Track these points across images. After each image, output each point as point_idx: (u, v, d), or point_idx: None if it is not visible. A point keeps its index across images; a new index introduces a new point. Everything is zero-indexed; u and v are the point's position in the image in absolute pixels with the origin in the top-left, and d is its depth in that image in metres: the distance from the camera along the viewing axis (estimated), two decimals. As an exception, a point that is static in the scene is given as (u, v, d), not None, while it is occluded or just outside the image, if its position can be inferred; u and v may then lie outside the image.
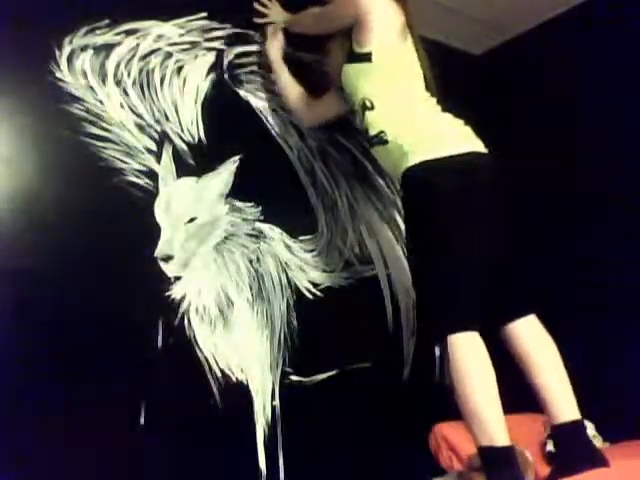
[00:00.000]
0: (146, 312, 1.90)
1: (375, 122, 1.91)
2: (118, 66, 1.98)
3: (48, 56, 1.86)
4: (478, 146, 1.86)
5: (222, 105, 2.16)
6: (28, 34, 1.83)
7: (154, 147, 2.01)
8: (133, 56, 2.02)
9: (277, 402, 2.08)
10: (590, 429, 2.13)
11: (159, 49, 2.07)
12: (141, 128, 2.00)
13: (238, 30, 2.26)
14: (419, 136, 1.85)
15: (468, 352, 1.65)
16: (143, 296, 1.90)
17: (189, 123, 2.10)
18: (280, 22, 2.27)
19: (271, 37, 2.26)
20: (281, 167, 2.29)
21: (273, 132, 2.29)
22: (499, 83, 3.03)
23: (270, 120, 2.29)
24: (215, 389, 1.97)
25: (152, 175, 1.99)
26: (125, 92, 1.98)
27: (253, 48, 2.29)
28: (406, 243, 1.90)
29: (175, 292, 1.97)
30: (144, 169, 1.98)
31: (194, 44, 2.15)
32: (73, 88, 1.89)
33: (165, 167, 2.02)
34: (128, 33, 2.02)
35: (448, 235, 1.75)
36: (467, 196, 1.77)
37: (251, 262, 2.15)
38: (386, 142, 1.89)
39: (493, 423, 1.60)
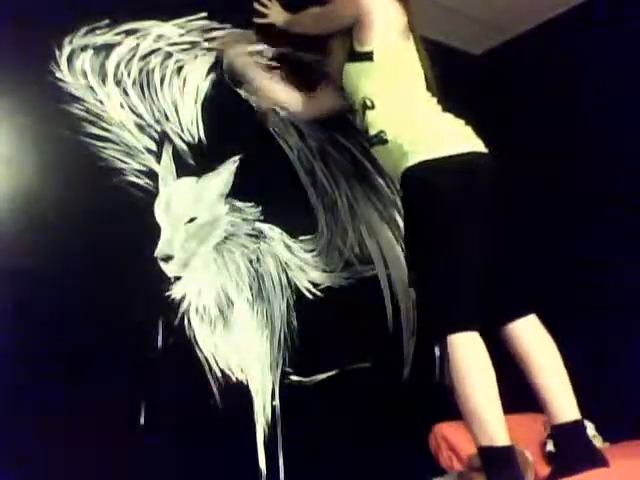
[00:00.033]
0: (146, 312, 1.90)
1: (375, 121, 1.92)
2: (118, 66, 1.98)
3: (48, 56, 1.86)
4: (478, 146, 1.86)
5: (222, 105, 2.16)
6: (28, 34, 1.83)
7: (154, 147, 2.01)
8: (133, 56, 2.02)
9: (277, 402, 2.08)
10: (590, 429, 2.13)
11: (159, 49, 2.08)
12: (141, 128, 2.00)
13: (238, 30, 2.25)
14: (419, 136, 1.85)
15: (468, 352, 1.65)
16: (143, 296, 1.90)
17: (189, 123, 2.10)
18: (280, 22, 2.27)
19: (228, 51, 2.19)
20: (281, 167, 2.29)
21: (273, 132, 2.29)
22: (499, 83, 3.03)
23: (270, 120, 2.28)
24: (215, 389, 1.97)
25: (152, 175, 1.99)
26: (125, 92, 1.98)
27: (253, 48, 2.28)
28: (405, 243, 1.89)
29: (175, 292, 1.97)
30: (144, 169, 1.98)
31: (194, 44, 2.15)
32: (73, 88, 1.89)
33: (165, 167, 2.02)
34: (128, 33, 2.02)
35: (448, 235, 1.75)
36: (467, 196, 1.77)
37: (251, 262, 2.15)
38: (386, 142, 1.89)
39: (493, 423, 1.60)
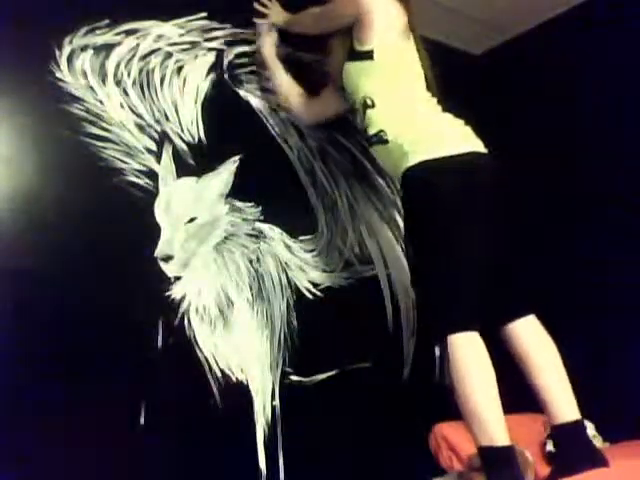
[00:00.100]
0: (146, 312, 1.90)
1: (375, 121, 1.92)
2: (118, 66, 1.98)
3: (48, 56, 1.86)
4: (478, 146, 1.86)
5: (222, 105, 2.16)
6: (28, 34, 1.83)
7: (154, 147, 2.01)
8: (133, 56, 2.02)
9: (277, 402, 2.08)
10: (590, 429, 2.13)
11: (159, 49, 2.08)
12: (141, 128, 2.00)
13: (238, 30, 2.25)
14: (419, 136, 1.85)
15: (468, 352, 1.65)
16: (143, 296, 1.90)
17: (189, 123, 2.10)
18: (280, 22, 2.27)
19: (264, 35, 2.25)
20: (281, 167, 2.29)
21: (273, 132, 2.29)
22: (499, 83, 3.03)
23: (270, 120, 2.29)
24: (215, 389, 1.97)
25: (152, 175, 1.99)
26: (125, 92, 1.98)
27: (253, 48, 2.29)
28: (405, 243, 1.90)
29: (175, 292, 1.97)
30: (144, 169, 1.98)
31: (194, 44, 2.15)
32: (73, 88, 1.89)
33: (165, 167, 2.02)
34: (128, 33, 2.02)
35: (448, 235, 1.75)
36: (467, 196, 1.77)
37: (251, 262, 2.15)
38: (386, 141, 1.89)
39: (493, 423, 1.60)
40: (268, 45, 2.25)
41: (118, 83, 1.97)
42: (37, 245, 1.75)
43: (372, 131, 1.92)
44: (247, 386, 2.04)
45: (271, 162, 2.26)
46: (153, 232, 1.96)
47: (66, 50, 1.89)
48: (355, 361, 2.27)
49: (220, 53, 2.20)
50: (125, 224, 1.90)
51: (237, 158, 2.15)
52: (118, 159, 1.93)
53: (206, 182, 2.09)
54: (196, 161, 2.08)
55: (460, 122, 1.91)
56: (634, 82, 2.56)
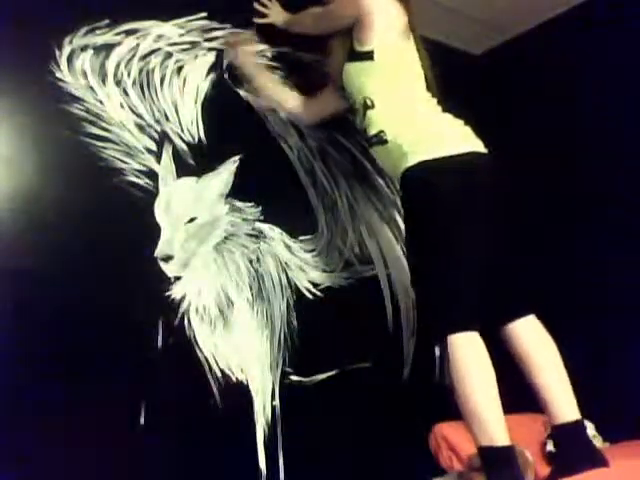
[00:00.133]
0: (146, 312, 1.90)
1: (375, 121, 1.92)
2: (118, 66, 1.98)
3: (48, 56, 1.86)
4: (478, 146, 1.86)
5: (222, 105, 2.16)
6: (28, 34, 1.83)
7: (154, 147, 2.01)
8: (133, 56, 2.02)
9: (277, 402, 2.08)
10: (590, 429, 2.13)
11: (159, 49, 2.07)
12: (141, 128, 2.00)
13: (238, 30, 2.25)
14: (419, 136, 1.85)
15: (468, 352, 1.65)
16: (143, 296, 1.90)
17: (189, 123, 2.10)
18: (280, 22, 2.27)
19: (240, 52, 2.20)
20: (281, 167, 2.29)
21: (273, 132, 2.29)
22: (499, 83, 3.03)
23: (270, 120, 2.29)
24: (215, 389, 1.97)
25: (152, 175, 1.99)
26: (125, 92, 1.98)
27: (253, 48, 2.29)
28: (405, 243, 1.90)
29: (175, 292, 1.97)
30: (144, 169, 1.98)
31: (194, 44, 2.15)
32: (73, 88, 1.89)
33: (165, 167, 2.02)
34: (128, 33, 2.02)
35: (448, 235, 1.75)
36: (467, 196, 1.77)
37: (251, 262, 2.15)
38: (385, 142, 1.89)
39: (493, 423, 1.60)
40: (248, 59, 2.22)
41: (118, 83, 1.97)
42: (37, 245, 1.75)
43: (372, 131, 1.92)
44: (247, 386, 2.04)
45: (271, 162, 2.26)
46: (153, 232, 1.96)
47: (66, 50, 1.89)
48: (355, 361, 2.27)
49: (220, 53, 2.20)
50: (125, 224, 1.90)
51: (237, 158, 2.15)
52: (118, 159, 1.93)
53: (206, 182, 2.09)
54: (196, 161, 2.08)
55: (460, 122, 1.91)
56: (634, 82, 2.56)
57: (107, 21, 1.97)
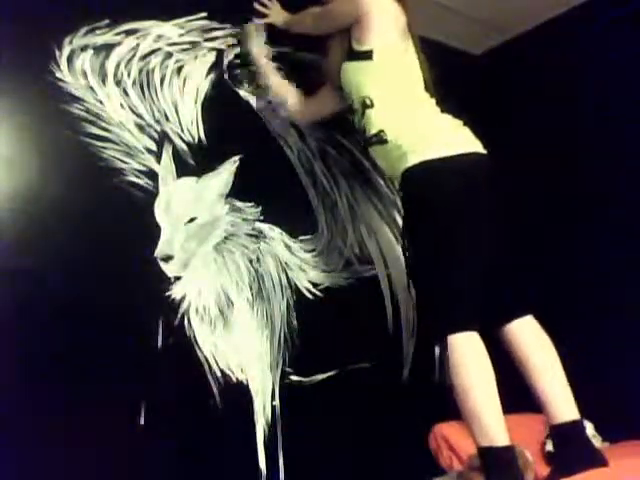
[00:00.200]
0: (146, 312, 1.90)
1: (375, 121, 1.91)
2: (118, 66, 1.98)
3: (48, 56, 1.86)
4: (477, 147, 1.86)
5: (222, 105, 2.16)
6: (28, 34, 1.83)
7: (154, 147, 2.01)
8: (133, 56, 2.02)
9: (277, 402, 2.08)
10: (589, 429, 2.13)
11: (159, 49, 2.08)
12: (141, 128, 2.00)
13: (238, 30, 2.25)
14: (419, 136, 1.85)
15: (468, 352, 1.65)
16: (143, 296, 1.90)
17: (189, 123, 2.10)
18: (280, 22, 2.27)
19: (252, 37, 2.22)
20: (281, 167, 2.29)
21: (273, 132, 2.29)
22: (499, 83, 3.03)
23: (270, 120, 2.29)
24: (215, 389, 1.97)
25: (152, 175, 1.99)
26: (125, 92, 1.98)
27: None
28: (403, 242, 1.89)
29: (175, 292, 1.97)
30: (144, 169, 1.98)
31: (194, 44, 2.15)
32: (73, 88, 1.89)
33: (165, 167, 2.02)
34: (128, 33, 2.02)
35: (450, 235, 1.75)
36: (468, 196, 1.77)
37: (251, 262, 2.15)
38: (385, 141, 1.89)
39: (493, 423, 1.60)
40: (258, 47, 2.23)
41: (118, 83, 1.97)
42: (37, 245, 1.75)
43: (371, 131, 1.92)
44: (247, 386, 2.04)
45: (271, 162, 2.26)
46: (153, 232, 1.96)
47: (66, 50, 1.89)
48: (355, 361, 2.27)
49: (220, 53, 2.20)
50: (125, 224, 1.90)
51: (237, 158, 2.15)
52: (118, 159, 1.93)
53: (206, 182, 2.09)
54: (196, 161, 2.08)
55: (459, 123, 1.91)
56: (635, 82, 2.56)
57: (107, 21, 1.97)
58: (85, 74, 1.92)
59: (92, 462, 1.72)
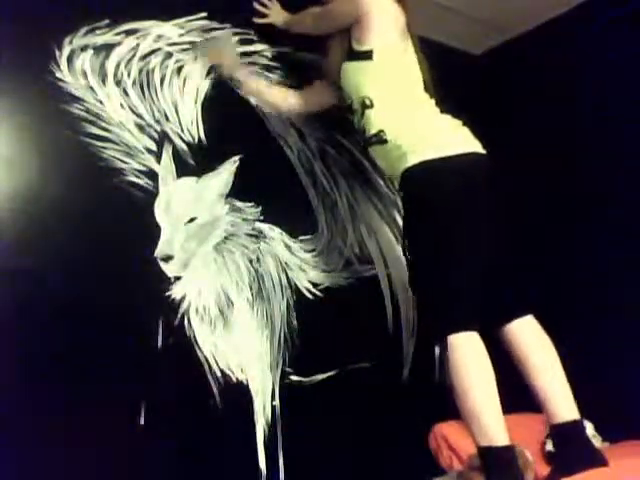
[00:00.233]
0: (146, 312, 1.90)
1: (374, 121, 1.91)
2: (118, 66, 1.98)
3: (48, 56, 1.86)
4: (477, 147, 1.86)
5: (222, 105, 2.16)
6: (28, 34, 1.83)
7: (154, 147, 2.01)
8: (133, 56, 2.02)
9: (277, 402, 2.08)
10: (589, 429, 2.13)
11: (159, 49, 2.08)
12: (141, 128, 2.00)
13: (238, 30, 2.25)
14: (419, 136, 1.85)
15: (468, 352, 1.66)
16: (143, 296, 1.90)
17: (189, 123, 2.10)
18: (280, 22, 2.27)
19: (220, 58, 2.18)
20: (281, 167, 2.29)
21: (273, 132, 2.29)
22: (499, 83, 3.03)
23: (270, 120, 2.29)
24: (215, 389, 1.97)
25: (152, 175, 1.99)
26: (125, 92, 1.98)
27: (253, 48, 2.29)
28: (403, 242, 1.89)
29: (175, 292, 1.97)
30: (144, 169, 1.98)
31: (194, 44, 2.15)
32: (73, 88, 1.89)
33: (165, 167, 2.02)
34: (128, 33, 2.02)
35: (450, 235, 1.75)
36: (468, 196, 1.77)
37: (251, 262, 2.15)
38: (385, 141, 1.89)
39: (493, 423, 1.60)
40: (230, 59, 2.19)
41: (118, 83, 1.97)
42: (37, 245, 1.75)
43: (371, 131, 1.92)
44: (247, 386, 2.04)
45: (271, 162, 2.26)
46: (153, 232, 1.96)
47: (66, 50, 1.89)
48: (355, 361, 2.27)
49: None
50: (125, 224, 1.90)
51: (237, 158, 2.15)
52: (118, 159, 1.93)
53: (206, 182, 2.09)
54: (196, 161, 2.08)
55: (458, 123, 1.91)
56: (634, 82, 2.56)
57: (107, 21, 1.97)
58: (85, 74, 1.92)
59: (92, 462, 1.72)
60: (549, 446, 2.05)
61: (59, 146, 1.84)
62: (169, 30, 2.10)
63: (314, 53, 2.33)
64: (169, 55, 2.09)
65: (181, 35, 2.12)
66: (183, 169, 2.05)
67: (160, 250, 1.95)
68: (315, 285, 2.27)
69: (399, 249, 2.47)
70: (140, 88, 2.01)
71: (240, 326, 2.08)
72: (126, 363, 1.83)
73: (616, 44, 2.62)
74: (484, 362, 1.66)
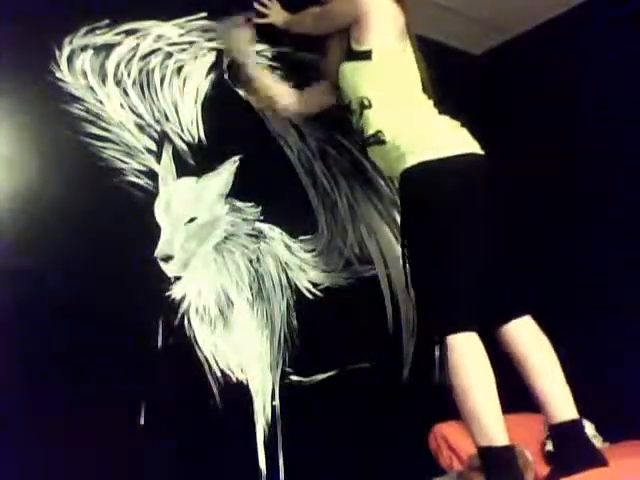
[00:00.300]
0: (146, 312, 1.90)
1: (373, 121, 1.91)
2: (118, 66, 1.98)
3: (48, 56, 1.86)
4: (475, 148, 1.86)
5: (222, 105, 2.16)
6: (28, 34, 1.83)
7: (154, 147, 2.01)
8: (133, 56, 2.02)
9: (277, 402, 2.08)
10: (590, 429, 2.13)
11: (159, 49, 2.08)
12: (141, 128, 2.00)
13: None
14: (418, 137, 1.85)
15: (467, 352, 1.66)
16: (143, 296, 1.90)
17: (189, 123, 2.10)
18: (280, 22, 2.27)
19: (238, 35, 2.18)
20: (281, 167, 2.29)
21: (273, 132, 2.29)
22: (499, 83, 3.03)
23: (270, 120, 2.29)
24: (215, 389, 1.97)
25: (152, 175, 1.99)
26: (125, 92, 1.98)
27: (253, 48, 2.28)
28: (402, 242, 1.90)
29: (175, 292, 1.97)
30: (144, 169, 1.98)
31: (194, 44, 2.15)
32: (73, 88, 1.89)
33: (165, 167, 2.02)
34: (128, 33, 2.02)
35: (449, 235, 1.75)
36: (467, 196, 1.77)
37: (251, 262, 2.15)
38: (383, 142, 1.89)
39: (492, 423, 1.60)
40: (243, 43, 2.19)
41: (118, 83, 1.97)
42: (37, 245, 1.75)
43: (369, 131, 1.92)
44: (247, 386, 2.04)
45: (271, 162, 2.26)
46: (153, 232, 1.96)
47: (66, 50, 1.89)
48: (355, 361, 2.27)
49: (220, 53, 2.20)
50: (125, 224, 1.90)
51: (237, 158, 2.15)
52: (118, 159, 1.93)
53: (206, 182, 2.09)
54: (196, 161, 2.08)
55: (457, 124, 1.91)
56: (634, 82, 2.56)
57: (107, 21, 1.97)
58: (85, 74, 1.92)
59: (92, 462, 1.72)
60: (549, 446, 2.05)
61: (59, 146, 1.84)
62: (169, 30, 2.10)
63: (314, 53, 2.33)
64: (169, 55, 2.09)
65: (181, 35, 2.13)
66: (183, 169, 2.05)
67: (160, 250, 1.95)
68: (315, 285, 2.27)
69: (399, 249, 2.47)
70: (140, 88, 2.02)
71: (240, 326, 2.08)
72: (126, 363, 1.83)
73: (616, 44, 2.62)
74: (483, 362, 1.66)
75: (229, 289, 2.08)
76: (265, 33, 2.28)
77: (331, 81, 2.15)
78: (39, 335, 1.71)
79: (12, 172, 1.77)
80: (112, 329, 1.82)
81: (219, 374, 1.99)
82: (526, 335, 1.81)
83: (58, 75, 1.87)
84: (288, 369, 2.14)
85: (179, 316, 1.96)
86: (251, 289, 2.13)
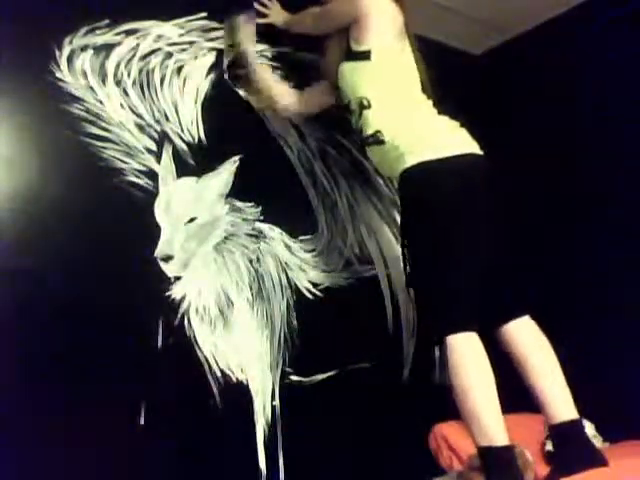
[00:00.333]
0: (146, 312, 1.90)
1: (372, 121, 1.91)
2: (118, 66, 1.98)
3: (48, 56, 1.86)
4: (474, 148, 1.86)
5: (222, 105, 2.16)
6: (28, 34, 1.83)
7: (154, 147, 2.01)
8: (133, 56, 2.02)
9: (277, 402, 2.08)
10: (590, 429, 2.13)
11: (159, 49, 2.08)
12: (141, 128, 2.00)
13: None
14: (416, 137, 1.85)
15: (467, 352, 1.66)
16: (143, 296, 1.90)
17: (189, 123, 2.10)
18: (280, 22, 2.27)
19: (243, 31, 2.15)
20: (281, 167, 2.29)
21: (273, 132, 2.29)
22: (499, 83, 3.03)
23: (270, 120, 2.29)
24: (215, 389, 1.97)
25: (152, 175, 1.99)
26: (125, 92, 1.98)
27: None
28: (401, 242, 1.90)
29: (175, 292, 1.97)
30: (144, 169, 1.98)
31: (194, 44, 2.15)
32: (73, 88, 1.89)
33: (165, 167, 2.02)
34: (128, 33, 2.02)
35: (448, 235, 1.75)
36: (467, 197, 1.77)
37: (251, 262, 2.15)
38: (382, 142, 1.89)
39: (492, 423, 1.60)
40: (247, 40, 2.17)
41: (118, 83, 1.97)
42: (37, 245, 1.75)
43: (368, 131, 1.92)
44: (247, 386, 2.04)
45: (271, 162, 2.26)
46: (153, 232, 1.96)
47: (66, 50, 1.89)
48: (355, 361, 2.27)
49: (220, 53, 2.20)
50: (125, 224, 1.90)
51: (237, 158, 2.15)
52: (118, 159, 1.93)
53: (206, 182, 2.09)
54: (196, 161, 2.08)
55: (456, 124, 1.91)
56: (634, 82, 2.56)
57: (107, 21, 1.98)
58: (85, 74, 1.92)
59: (92, 462, 1.72)
60: (549, 446, 2.05)
61: (59, 146, 1.84)
62: (169, 30, 2.10)
63: (314, 53, 2.33)
64: (169, 55, 2.09)
65: (181, 35, 2.13)
66: (183, 169, 2.05)
67: (160, 250, 1.95)
68: (315, 285, 2.27)
69: (399, 249, 2.47)
70: (140, 88, 2.02)
71: (240, 326, 2.08)
72: (126, 363, 1.82)
73: (616, 44, 2.62)
74: (483, 362, 1.66)
75: (229, 289, 2.08)
76: (265, 33, 2.28)
77: (331, 81, 2.15)
78: (39, 335, 1.71)
79: (12, 172, 1.77)
80: (112, 329, 1.82)
81: (219, 374, 1.99)
82: (526, 335, 1.81)
83: (58, 75, 1.87)
84: (288, 369, 2.14)
85: (179, 316, 1.96)
86: (251, 289, 2.13)
